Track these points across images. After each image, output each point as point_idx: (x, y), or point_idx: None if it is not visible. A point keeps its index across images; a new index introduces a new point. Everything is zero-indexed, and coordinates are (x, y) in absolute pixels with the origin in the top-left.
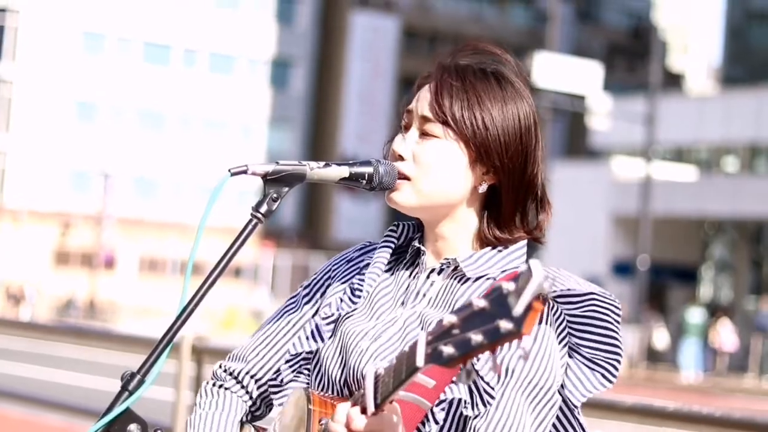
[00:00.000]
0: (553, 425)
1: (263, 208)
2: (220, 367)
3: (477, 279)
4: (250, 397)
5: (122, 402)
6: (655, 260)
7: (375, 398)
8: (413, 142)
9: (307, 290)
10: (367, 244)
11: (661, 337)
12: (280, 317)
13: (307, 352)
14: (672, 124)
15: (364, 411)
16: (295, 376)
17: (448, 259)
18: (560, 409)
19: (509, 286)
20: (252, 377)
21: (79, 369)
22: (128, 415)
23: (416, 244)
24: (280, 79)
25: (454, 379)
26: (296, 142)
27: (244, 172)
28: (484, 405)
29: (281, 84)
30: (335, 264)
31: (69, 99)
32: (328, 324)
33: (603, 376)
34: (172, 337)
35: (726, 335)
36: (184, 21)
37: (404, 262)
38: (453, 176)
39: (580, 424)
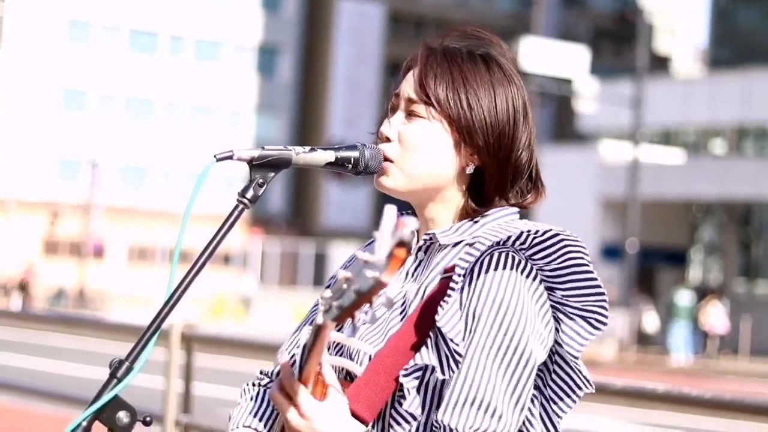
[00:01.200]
0: (558, 382)
1: (249, 194)
2: (260, 372)
3: (455, 245)
4: None
5: (111, 389)
6: (644, 243)
7: (300, 364)
8: (399, 123)
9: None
10: (370, 242)
11: (650, 321)
12: (308, 316)
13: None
14: (659, 106)
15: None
16: None
17: (428, 234)
18: (561, 366)
19: (377, 234)
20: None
21: (69, 358)
22: (117, 403)
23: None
24: (267, 65)
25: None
26: (284, 128)
27: (230, 157)
28: (456, 366)
29: (268, 71)
30: (348, 261)
31: (56, 88)
32: None
33: (596, 320)
34: (160, 325)
35: (717, 317)
36: (170, 8)
37: None
38: (438, 156)
39: (584, 377)
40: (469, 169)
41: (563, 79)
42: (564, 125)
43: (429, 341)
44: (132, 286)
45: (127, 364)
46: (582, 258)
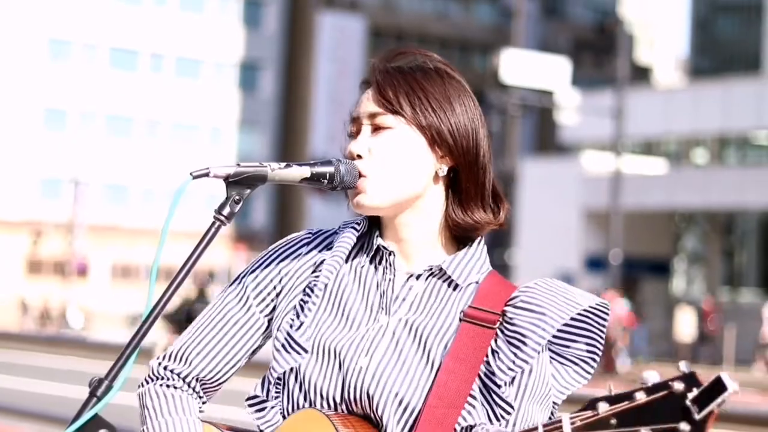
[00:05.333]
0: None
1: (226, 211)
2: (160, 365)
3: (468, 285)
4: (199, 396)
5: (90, 408)
6: (628, 254)
7: None
8: (367, 138)
9: (255, 286)
10: (311, 233)
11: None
12: (218, 312)
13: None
14: (640, 117)
15: None
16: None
17: (431, 266)
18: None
19: (680, 386)
20: (198, 380)
21: (52, 377)
22: (97, 421)
23: (380, 241)
24: (248, 82)
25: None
26: (266, 144)
27: (206, 175)
28: (504, 418)
29: (250, 87)
30: (283, 256)
31: (36, 106)
32: (302, 335)
33: (584, 370)
34: (139, 342)
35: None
36: (151, 26)
37: (364, 257)
38: (411, 162)
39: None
40: (442, 171)
41: (544, 91)
42: (546, 137)
43: (477, 396)
44: (115, 305)
45: (106, 382)
46: (601, 325)
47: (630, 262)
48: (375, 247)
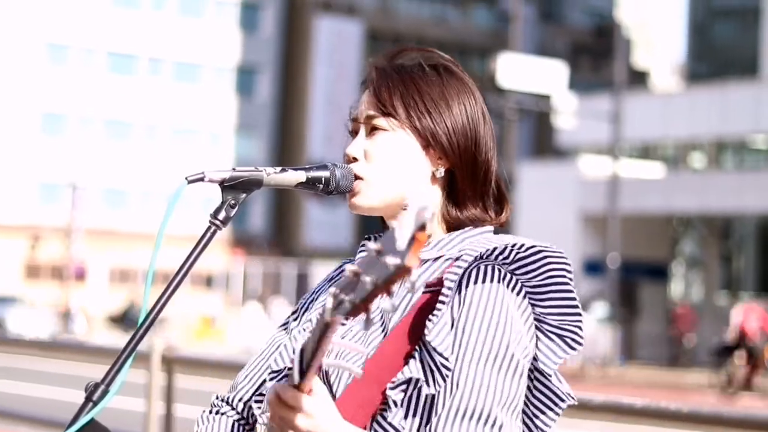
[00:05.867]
0: (539, 396)
1: (221, 215)
2: (217, 397)
3: (435, 260)
4: (244, 419)
5: (87, 413)
6: (625, 258)
7: (300, 367)
8: (363, 141)
9: (294, 314)
10: (348, 261)
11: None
12: (271, 341)
13: (288, 368)
14: (638, 121)
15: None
16: None
17: None
18: (536, 379)
19: (396, 224)
20: (241, 400)
21: (48, 381)
22: (93, 426)
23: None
24: (245, 86)
25: (355, 326)
26: (264, 148)
27: (201, 179)
28: (443, 379)
29: (247, 91)
30: (320, 286)
31: (34, 111)
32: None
33: (572, 340)
34: (135, 346)
35: None
36: (148, 30)
37: None
38: (407, 164)
39: (564, 390)
40: (439, 172)
41: (541, 95)
42: (543, 141)
43: (416, 354)
44: (114, 309)
45: (102, 387)
46: (564, 276)
47: (628, 266)
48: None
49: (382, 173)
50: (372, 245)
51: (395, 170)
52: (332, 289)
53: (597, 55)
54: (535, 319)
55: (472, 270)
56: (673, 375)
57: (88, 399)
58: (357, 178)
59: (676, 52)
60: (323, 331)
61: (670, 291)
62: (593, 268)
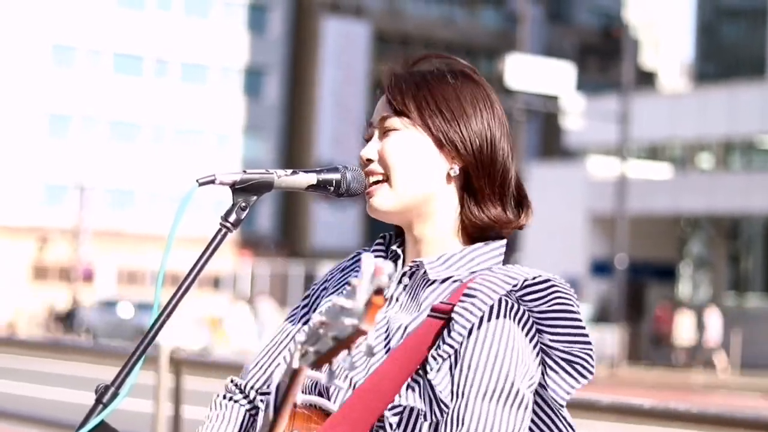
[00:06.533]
0: (541, 427)
1: (232, 217)
2: (231, 381)
3: (443, 281)
4: (255, 407)
5: (97, 415)
6: (633, 259)
7: (275, 405)
8: (376, 142)
9: (305, 301)
10: (361, 251)
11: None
12: (281, 329)
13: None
14: (646, 122)
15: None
16: None
17: (416, 261)
18: (545, 410)
19: (355, 281)
20: (253, 388)
21: (58, 383)
22: (103, 428)
23: (394, 248)
24: (253, 87)
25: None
26: (271, 149)
27: (212, 182)
28: (441, 414)
29: (255, 92)
30: (331, 274)
31: (41, 112)
32: None
33: (583, 368)
34: (146, 348)
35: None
36: (155, 31)
37: None
38: (421, 163)
39: (568, 424)
40: (454, 171)
41: (549, 96)
42: (551, 142)
43: (417, 385)
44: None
45: (112, 389)
46: (570, 304)
47: (635, 266)
48: (394, 253)
49: (396, 172)
50: (338, 300)
51: (410, 168)
52: (299, 336)
53: (605, 56)
54: (544, 347)
55: (483, 311)
56: (681, 376)
57: (98, 401)
58: (373, 180)
59: (684, 53)
60: (292, 377)
61: (677, 292)
62: (601, 268)
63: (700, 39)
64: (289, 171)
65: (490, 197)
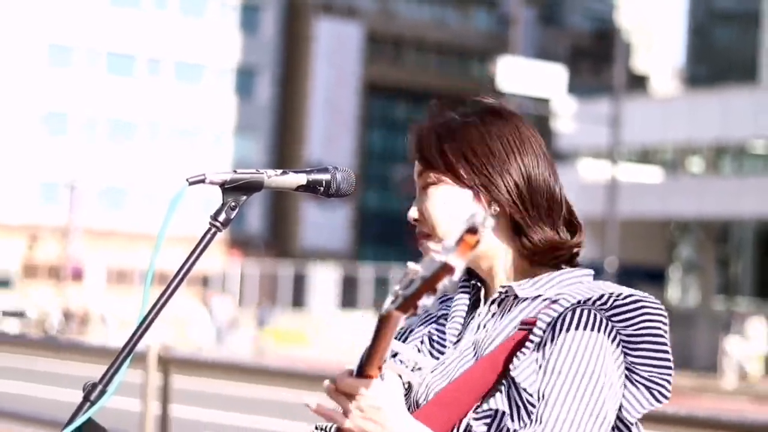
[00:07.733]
0: None
1: (222, 217)
2: (316, 428)
3: (534, 299)
4: None
5: (84, 412)
6: (623, 262)
7: (361, 359)
8: (417, 201)
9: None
10: (441, 297)
11: None
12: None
13: None
14: (637, 125)
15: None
16: None
17: (504, 286)
18: (617, 426)
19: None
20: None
21: (46, 381)
22: (90, 426)
23: (474, 282)
24: (245, 87)
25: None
26: (263, 149)
27: (202, 181)
28: (528, 417)
29: (247, 92)
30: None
31: (35, 111)
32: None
33: (659, 393)
34: (134, 347)
35: None
36: (148, 31)
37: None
38: (459, 213)
39: None
40: (495, 211)
41: (541, 99)
42: None
43: (502, 388)
44: (111, 309)
45: (100, 387)
46: (659, 328)
47: (625, 270)
48: (475, 286)
49: (440, 228)
50: (435, 247)
51: (450, 222)
52: (396, 287)
53: (597, 59)
54: (626, 368)
55: (567, 313)
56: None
57: (85, 399)
58: (423, 236)
59: (676, 56)
60: (381, 323)
61: (667, 295)
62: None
63: (691, 42)
64: (279, 171)
65: (537, 223)
